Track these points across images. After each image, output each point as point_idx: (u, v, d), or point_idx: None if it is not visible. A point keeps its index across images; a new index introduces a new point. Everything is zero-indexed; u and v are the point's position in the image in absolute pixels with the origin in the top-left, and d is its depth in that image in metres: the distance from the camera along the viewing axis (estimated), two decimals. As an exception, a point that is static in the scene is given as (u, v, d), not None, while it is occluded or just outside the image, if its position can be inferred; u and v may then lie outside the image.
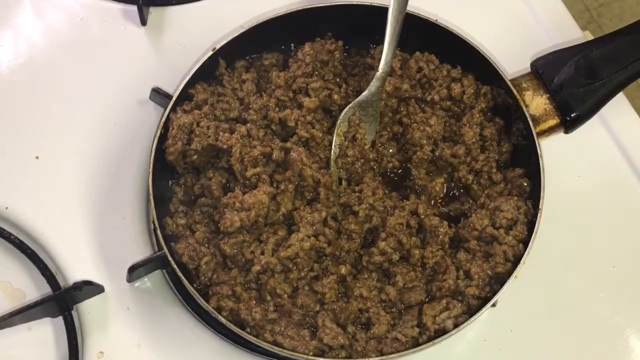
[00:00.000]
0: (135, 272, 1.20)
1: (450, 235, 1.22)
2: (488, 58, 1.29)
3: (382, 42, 1.27)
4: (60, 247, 1.26)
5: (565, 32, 1.45)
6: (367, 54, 1.35)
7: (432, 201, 1.28)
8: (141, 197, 1.31)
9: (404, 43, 1.30)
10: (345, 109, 1.28)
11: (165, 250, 1.17)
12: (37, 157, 1.32)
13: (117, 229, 1.28)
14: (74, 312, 1.23)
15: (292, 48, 1.36)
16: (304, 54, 1.30)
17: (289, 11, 1.32)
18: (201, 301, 1.15)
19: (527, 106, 1.26)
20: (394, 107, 1.32)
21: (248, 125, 1.25)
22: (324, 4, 1.33)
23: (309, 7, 1.32)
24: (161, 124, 1.24)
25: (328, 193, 1.22)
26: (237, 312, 1.15)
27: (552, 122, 1.26)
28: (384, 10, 1.27)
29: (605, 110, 1.28)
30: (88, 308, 1.23)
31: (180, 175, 1.27)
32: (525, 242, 1.18)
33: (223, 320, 1.14)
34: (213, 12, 1.45)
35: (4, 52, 1.41)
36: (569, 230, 1.33)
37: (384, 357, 1.13)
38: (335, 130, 1.27)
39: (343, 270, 1.19)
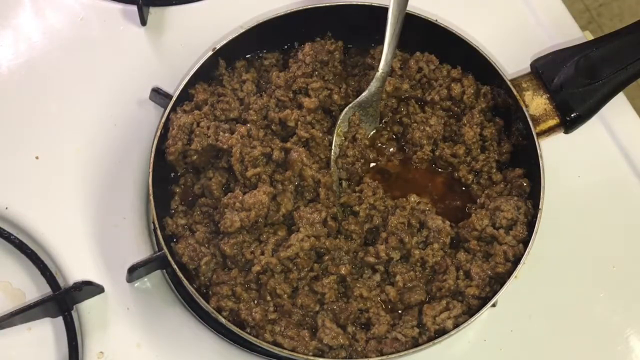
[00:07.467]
0: (135, 272, 1.20)
1: (452, 235, 1.22)
2: (488, 58, 1.29)
3: (382, 42, 1.27)
4: (60, 247, 1.26)
5: (565, 32, 1.45)
6: (367, 54, 1.35)
7: (433, 200, 1.28)
8: (141, 197, 1.31)
9: (404, 43, 1.30)
10: (345, 109, 1.28)
11: (165, 250, 1.17)
12: (37, 157, 1.33)
13: (117, 229, 1.28)
14: (74, 312, 1.23)
15: (293, 48, 1.36)
16: (304, 54, 1.30)
17: (289, 11, 1.32)
18: (201, 301, 1.15)
19: (527, 106, 1.26)
20: (394, 107, 1.32)
21: (248, 125, 1.25)
22: (324, 4, 1.34)
23: (309, 7, 1.32)
24: (161, 124, 1.24)
25: (328, 193, 1.22)
26: (237, 312, 1.15)
27: (552, 122, 1.26)
28: (384, 10, 1.27)
29: (605, 110, 1.28)
30: (88, 308, 1.23)
31: (180, 175, 1.27)
32: (525, 242, 1.18)
33: (223, 320, 1.14)
34: (213, 12, 1.45)
35: (4, 52, 1.41)
36: (569, 230, 1.33)
37: (384, 357, 1.13)
38: (335, 130, 1.27)
39: (343, 270, 1.19)
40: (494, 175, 1.28)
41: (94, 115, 1.36)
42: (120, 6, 1.44)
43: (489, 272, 1.18)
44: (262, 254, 1.17)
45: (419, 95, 1.32)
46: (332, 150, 1.26)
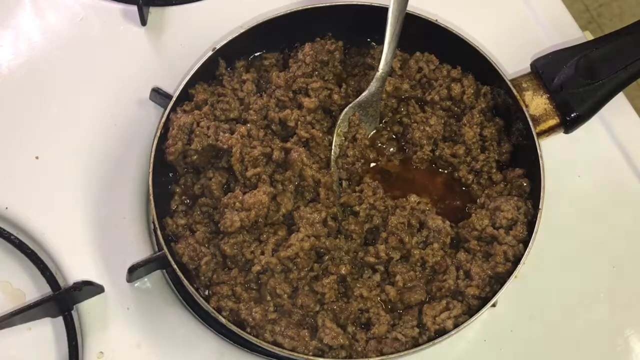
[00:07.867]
0: (135, 272, 1.20)
1: (452, 235, 1.22)
2: (488, 58, 1.29)
3: (382, 42, 1.27)
4: (60, 247, 1.26)
5: (565, 32, 1.45)
6: (367, 54, 1.36)
7: (433, 200, 1.28)
8: (141, 197, 1.31)
9: (404, 43, 1.30)
10: (345, 109, 1.28)
11: (165, 250, 1.17)
12: (37, 157, 1.32)
13: (117, 228, 1.28)
14: (74, 312, 1.23)
15: (293, 48, 1.36)
16: (304, 54, 1.30)
17: (289, 11, 1.32)
18: (201, 301, 1.15)
19: (527, 106, 1.26)
20: (394, 107, 1.32)
21: (248, 125, 1.25)
22: (324, 4, 1.33)
23: (309, 7, 1.32)
24: (161, 124, 1.24)
25: (328, 193, 1.22)
26: (237, 312, 1.15)
27: (552, 122, 1.26)
28: (384, 10, 1.27)
29: (605, 110, 1.28)
30: (88, 308, 1.23)
31: (180, 175, 1.27)
32: (525, 242, 1.18)
33: (223, 320, 1.14)
34: (213, 12, 1.45)
35: (4, 52, 1.41)
36: (569, 230, 1.33)
37: (384, 357, 1.13)
38: (335, 130, 1.27)
39: (343, 270, 1.19)
40: (494, 175, 1.28)
41: (94, 115, 1.36)
42: (120, 6, 1.44)
43: (489, 272, 1.18)
44: (262, 253, 1.17)
45: (419, 95, 1.32)
46: (332, 150, 1.26)
